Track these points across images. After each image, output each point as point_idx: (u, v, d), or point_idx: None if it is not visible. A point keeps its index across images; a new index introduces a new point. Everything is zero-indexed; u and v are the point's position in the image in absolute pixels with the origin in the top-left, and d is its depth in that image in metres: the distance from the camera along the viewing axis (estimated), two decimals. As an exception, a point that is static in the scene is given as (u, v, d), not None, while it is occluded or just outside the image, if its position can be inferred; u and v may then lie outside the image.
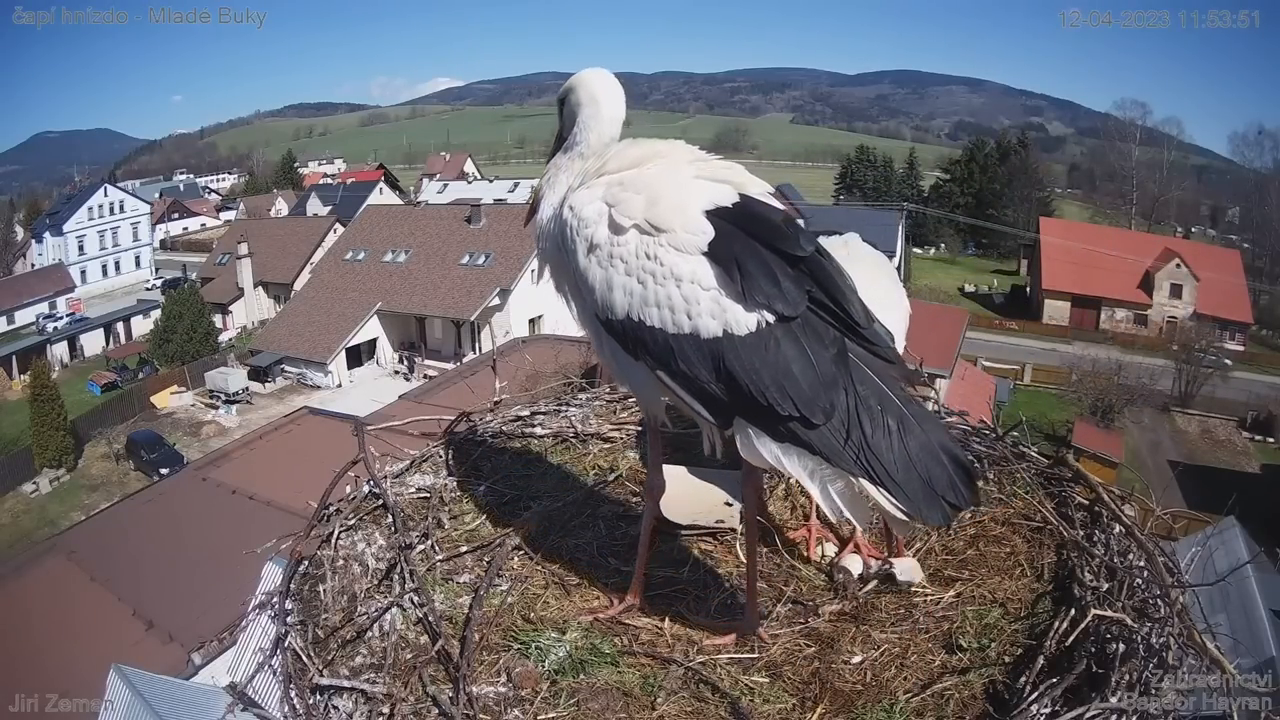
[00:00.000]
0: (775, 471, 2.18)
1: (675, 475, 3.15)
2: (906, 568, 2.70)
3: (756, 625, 2.49)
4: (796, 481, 2.16)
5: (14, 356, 39.21)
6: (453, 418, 3.73)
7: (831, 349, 2.06)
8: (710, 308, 2.08)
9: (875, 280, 2.75)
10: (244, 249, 43.12)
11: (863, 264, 2.77)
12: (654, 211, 2.15)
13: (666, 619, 2.57)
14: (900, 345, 2.72)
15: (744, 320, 2.06)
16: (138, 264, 59.13)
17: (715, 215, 2.13)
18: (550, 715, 2.20)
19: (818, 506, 2.25)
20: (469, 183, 70.23)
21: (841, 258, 2.71)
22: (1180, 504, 18.93)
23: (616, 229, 2.18)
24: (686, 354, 2.11)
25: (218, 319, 41.71)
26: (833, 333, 2.08)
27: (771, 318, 2.05)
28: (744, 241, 2.09)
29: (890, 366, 2.14)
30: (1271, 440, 30.74)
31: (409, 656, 2.40)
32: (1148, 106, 68.69)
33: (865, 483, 2.02)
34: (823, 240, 2.83)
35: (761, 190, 2.27)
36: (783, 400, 2.01)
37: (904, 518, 2.03)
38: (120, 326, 45.12)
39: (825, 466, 2.05)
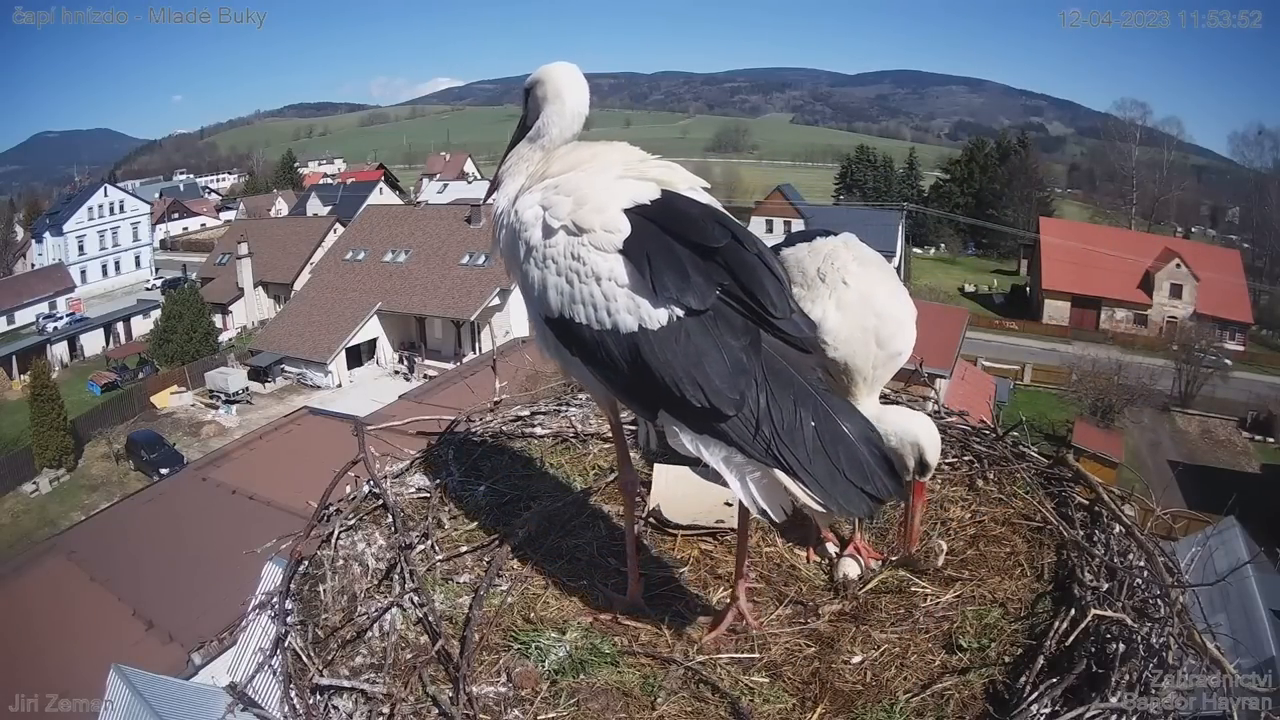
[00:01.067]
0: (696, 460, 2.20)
1: (675, 475, 3.15)
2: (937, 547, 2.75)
3: (747, 612, 2.53)
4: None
5: (14, 356, 39.16)
6: (453, 418, 3.73)
7: (743, 340, 2.06)
8: (626, 304, 2.12)
9: (883, 281, 2.72)
10: (244, 249, 43.10)
11: (871, 265, 2.74)
12: (579, 213, 2.21)
13: (666, 619, 2.57)
14: (910, 348, 2.70)
15: (656, 315, 2.09)
16: (138, 264, 59.08)
17: (635, 213, 2.16)
18: (550, 715, 2.21)
19: None
20: (469, 183, 70.18)
21: (847, 259, 2.69)
22: (1180, 504, 18.93)
23: (548, 231, 2.26)
24: (609, 349, 2.16)
25: (218, 319, 41.69)
26: (745, 324, 2.08)
27: (681, 311, 2.07)
28: (658, 237, 2.12)
29: (806, 357, 2.14)
30: (1271, 440, 30.71)
31: (409, 656, 2.40)
32: (1148, 106, 68.55)
33: (780, 474, 2.02)
34: (819, 240, 2.80)
35: (691, 186, 2.29)
36: (695, 392, 2.03)
37: (820, 509, 2.03)
38: (120, 326, 45.08)
39: (740, 456, 2.06)
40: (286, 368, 35.05)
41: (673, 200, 2.20)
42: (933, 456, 2.58)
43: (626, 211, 2.16)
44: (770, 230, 51.44)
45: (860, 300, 2.62)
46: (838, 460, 2.01)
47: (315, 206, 62.02)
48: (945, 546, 2.76)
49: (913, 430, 2.58)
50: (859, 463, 2.02)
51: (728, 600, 2.67)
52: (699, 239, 2.11)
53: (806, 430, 2.02)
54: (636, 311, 2.10)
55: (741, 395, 2.02)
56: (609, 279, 2.14)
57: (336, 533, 2.89)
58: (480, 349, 32.52)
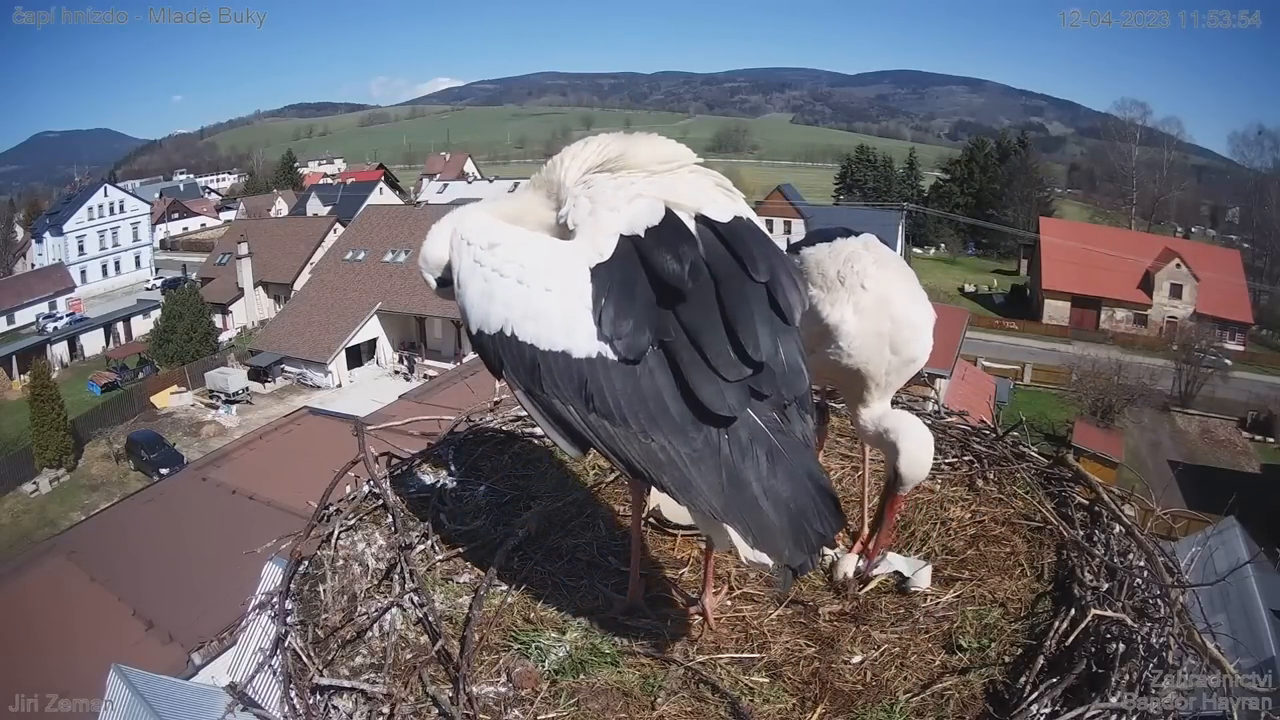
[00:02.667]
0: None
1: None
2: (922, 575, 2.68)
3: (709, 611, 2.57)
4: None
5: (14, 356, 39.13)
6: (453, 418, 3.73)
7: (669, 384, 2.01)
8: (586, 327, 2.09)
9: (902, 285, 2.66)
10: (244, 249, 43.10)
11: (890, 268, 2.67)
12: (585, 224, 2.18)
13: (666, 619, 2.57)
14: (926, 356, 2.64)
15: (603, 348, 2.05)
16: (138, 264, 59.05)
17: (629, 239, 2.10)
18: (550, 715, 2.21)
19: None
20: (469, 183, 70.26)
21: (867, 262, 2.63)
22: (1180, 504, 18.93)
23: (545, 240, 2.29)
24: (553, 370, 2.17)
25: (218, 319, 41.69)
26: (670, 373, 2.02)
27: (612, 355, 2.03)
28: (627, 272, 2.06)
29: (760, 402, 2.03)
30: (1271, 440, 30.71)
31: (409, 656, 2.41)
32: (1148, 106, 68.33)
33: (723, 523, 1.99)
34: (840, 242, 2.72)
35: (713, 200, 2.20)
36: (645, 425, 2.01)
37: (753, 558, 1.99)
38: (120, 326, 45.07)
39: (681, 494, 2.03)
40: (286, 368, 35.04)
41: (665, 230, 2.10)
42: (908, 471, 2.50)
43: (622, 236, 2.10)
44: (770, 230, 51.35)
45: (877, 305, 2.57)
46: (776, 508, 1.96)
47: (315, 206, 61.98)
48: (929, 579, 2.67)
49: (899, 442, 2.52)
50: (804, 508, 1.97)
51: (729, 602, 2.68)
52: (666, 278, 2.03)
53: (751, 478, 1.97)
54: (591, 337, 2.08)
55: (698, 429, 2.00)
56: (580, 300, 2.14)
57: (336, 533, 2.89)
58: (480, 349, 32.44)
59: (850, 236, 2.76)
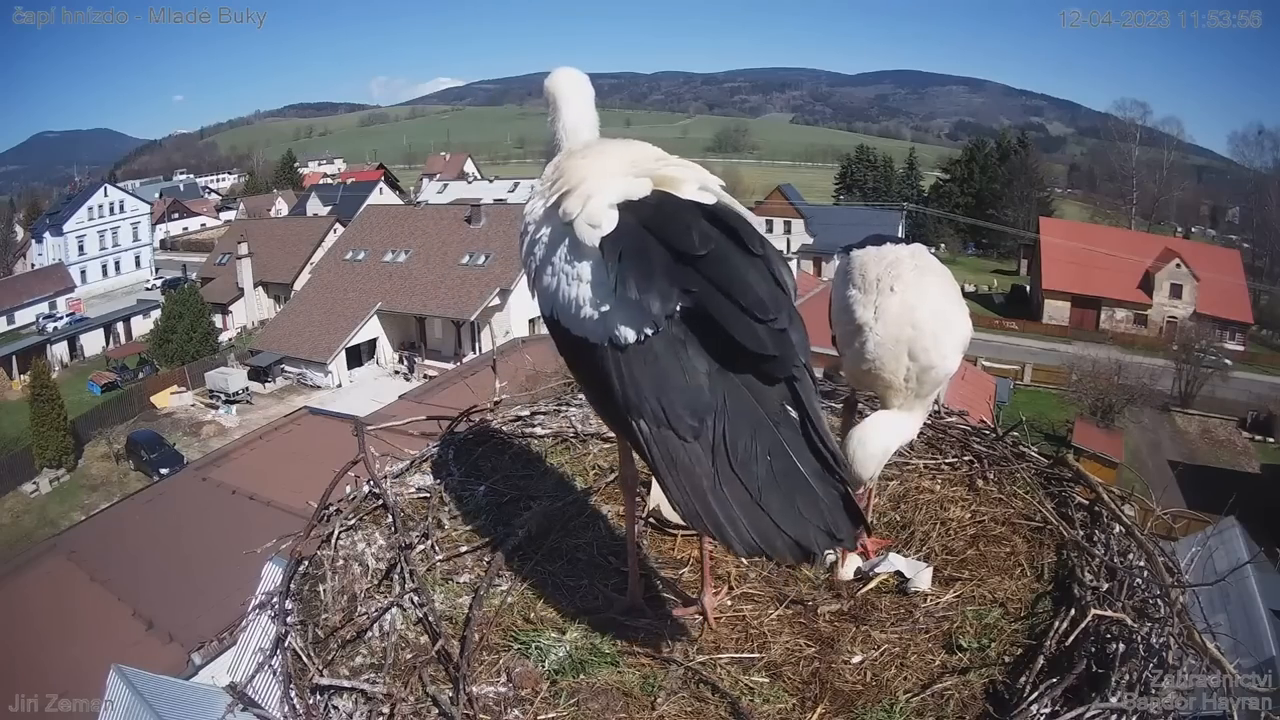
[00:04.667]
0: None
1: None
2: (923, 576, 2.67)
3: (709, 610, 2.57)
4: None
5: (14, 356, 39.17)
6: (453, 418, 3.73)
7: (708, 365, 1.98)
8: (592, 299, 2.09)
9: (933, 294, 2.62)
10: (244, 249, 43.12)
11: (928, 276, 2.64)
12: (566, 201, 2.18)
13: (667, 619, 2.57)
14: (947, 365, 2.59)
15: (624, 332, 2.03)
16: (138, 264, 59.10)
17: (625, 208, 2.09)
18: (550, 715, 2.21)
19: None
20: (469, 183, 70.25)
21: (905, 268, 2.61)
22: (1180, 504, 18.89)
23: (541, 223, 2.31)
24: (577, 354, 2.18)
25: (218, 319, 41.71)
26: (705, 352, 1.99)
27: (631, 335, 2.00)
28: (638, 236, 2.05)
29: (770, 390, 2.01)
30: (1271, 440, 30.69)
31: (409, 656, 2.41)
32: (1148, 106, 68.31)
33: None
34: (888, 247, 2.71)
35: (704, 185, 2.20)
36: (661, 408, 1.98)
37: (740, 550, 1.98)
38: (120, 326, 45.11)
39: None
40: (286, 368, 35.05)
41: (665, 201, 2.12)
42: (849, 466, 2.49)
43: (617, 206, 2.10)
44: (770, 230, 51.44)
45: (901, 310, 2.55)
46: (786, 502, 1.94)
47: (315, 206, 62.03)
48: (930, 581, 2.67)
49: (852, 435, 2.56)
50: (812, 504, 1.95)
51: (729, 602, 2.68)
52: (679, 245, 2.02)
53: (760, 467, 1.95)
54: (600, 308, 2.06)
55: (700, 423, 1.96)
56: (585, 281, 2.11)
57: (336, 533, 2.89)
58: (480, 349, 32.50)
59: (901, 244, 2.77)
